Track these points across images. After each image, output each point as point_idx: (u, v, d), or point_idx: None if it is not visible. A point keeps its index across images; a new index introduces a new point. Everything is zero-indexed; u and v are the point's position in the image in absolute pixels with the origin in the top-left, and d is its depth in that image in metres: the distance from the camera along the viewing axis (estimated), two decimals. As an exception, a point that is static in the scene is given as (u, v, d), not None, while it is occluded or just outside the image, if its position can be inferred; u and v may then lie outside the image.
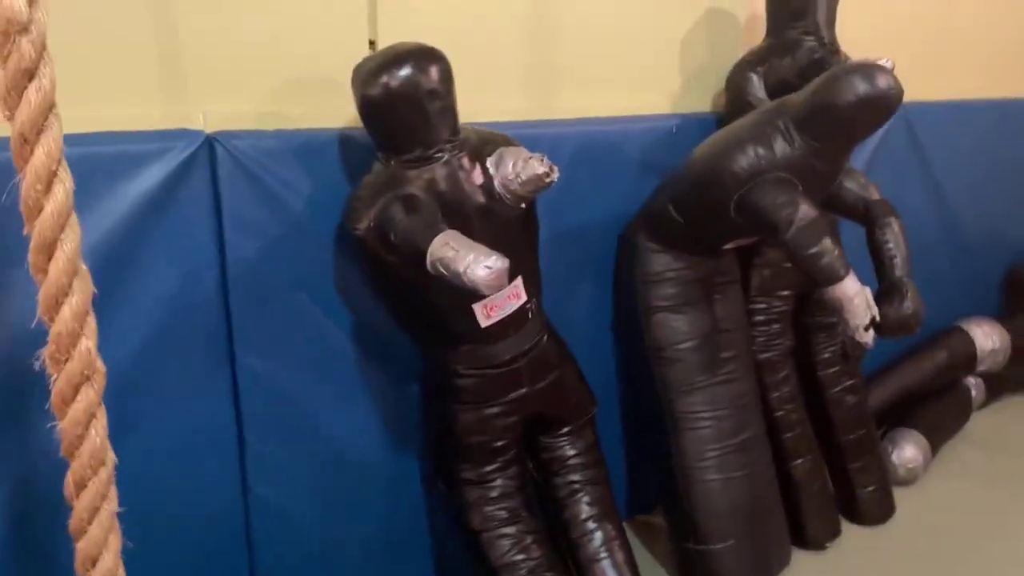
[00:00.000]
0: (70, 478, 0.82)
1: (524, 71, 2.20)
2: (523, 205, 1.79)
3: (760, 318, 2.43)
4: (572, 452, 2.05)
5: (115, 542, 0.86)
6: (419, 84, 1.65)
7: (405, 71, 1.64)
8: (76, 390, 0.80)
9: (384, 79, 1.64)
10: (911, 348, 3.11)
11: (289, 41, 1.79)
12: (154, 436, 1.67)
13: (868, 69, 1.88)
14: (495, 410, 1.90)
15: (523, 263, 1.84)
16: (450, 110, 1.71)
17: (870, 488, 2.60)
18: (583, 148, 2.20)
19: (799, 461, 2.44)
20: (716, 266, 2.25)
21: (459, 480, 1.94)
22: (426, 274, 1.54)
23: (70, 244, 0.76)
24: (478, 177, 1.74)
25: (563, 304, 2.16)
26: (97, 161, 1.52)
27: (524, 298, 1.86)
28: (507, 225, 1.79)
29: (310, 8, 1.80)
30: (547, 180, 1.70)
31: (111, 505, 0.85)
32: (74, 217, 0.77)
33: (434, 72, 1.67)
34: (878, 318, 1.89)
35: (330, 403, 1.89)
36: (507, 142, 1.82)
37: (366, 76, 1.67)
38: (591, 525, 2.02)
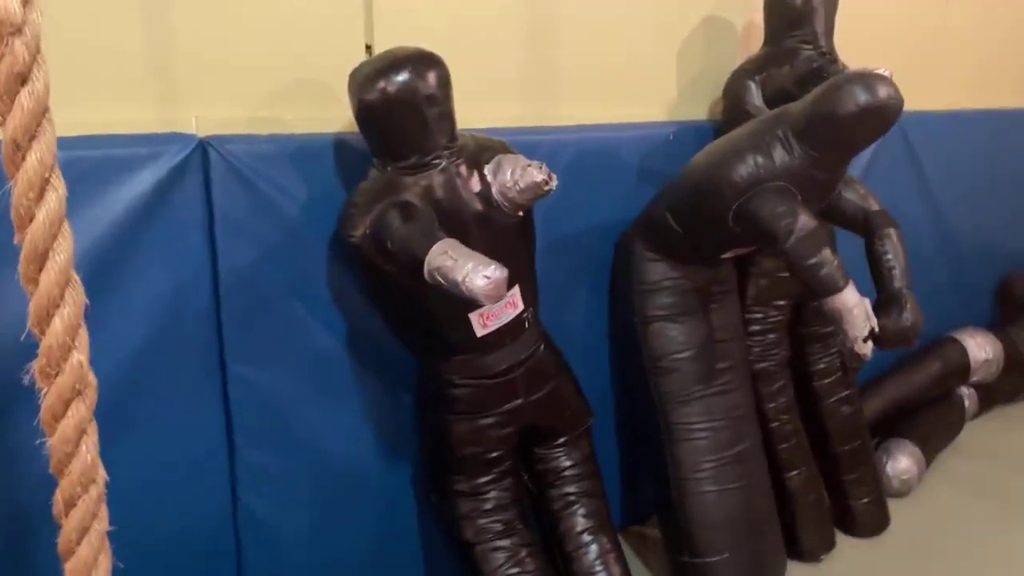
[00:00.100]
0: (59, 496, 0.79)
1: (521, 78, 2.18)
2: (521, 213, 1.77)
3: (756, 328, 2.42)
4: (567, 464, 2.03)
5: (105, 562, 0.83)
6: (417, 89, 1.63)
7: (403, 76, 1.62)
8: (67, 405, 0.76)
9: (381, 84, 1.62)
10: (904, 358, 3.11)
11: (284, 45, 1.76)
12: (142, 446, 1.63)
13: (868, 79, 1.87)
14: (490, 421, 1.87)
15: (520, 272, 1.82)
16: (448, 116, 1.69)
17: (865, 500, 2.58)
18: (580, 156, 2.18)
19: (794, 472, 2.43)
20: (713, 275, 2.23)
21: (453, 492, 1.91)
22: (422, 282, 1.51)
23: (62, 254, 0.73)
24: (476, 184, 1.71)
25: (559, 312, 2.14)
26: (87, 165, 1.49)
27: (521, 307, 1.83)
28: (504, 233, 1.77)
29: (306, 12, 1.78)
30: (546, 188, 1.68)
31: (101, 524, 0.81)
32: (67, 226, 0.74)
33: (432, 77, 1.65)
34: (877, 329, 1.87)
35: (322, 413, 1.85)
36: (505, 149, 1.80)
37: (363, 81, 1.64)
38: (586, 538, 1.99)
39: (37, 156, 0.72)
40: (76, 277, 0.76)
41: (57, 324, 0.74)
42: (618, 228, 2.31)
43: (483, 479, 1.90)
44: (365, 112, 1.66)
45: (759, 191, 1.93)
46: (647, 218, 2.22)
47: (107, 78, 1.57)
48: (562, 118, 2.25)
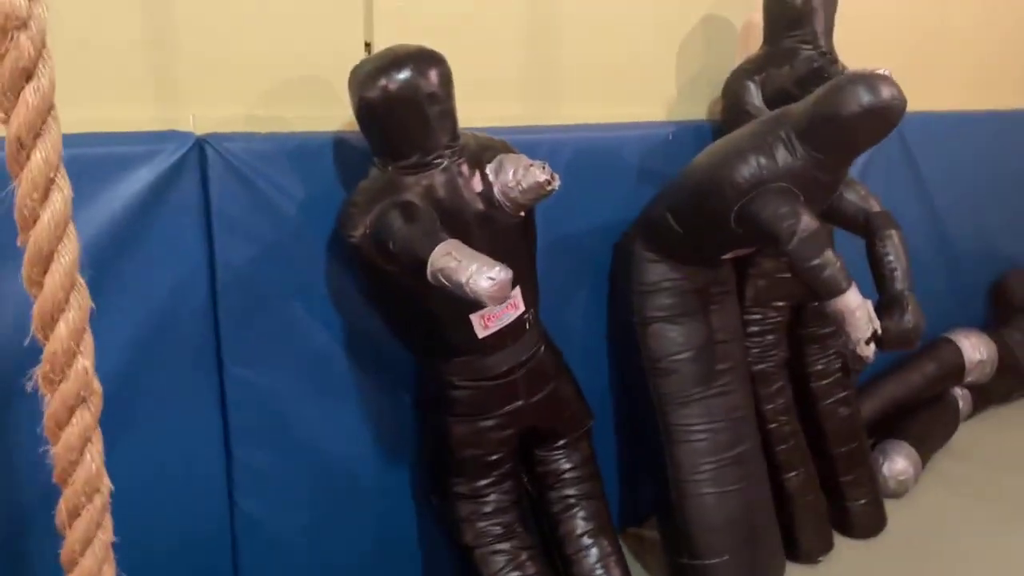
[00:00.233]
0: (63, 506, 0.76)
1: (521, 77, 2.16)
2: (522, 213, 1.75)
3: (755, 329, 2.41)
4: (568, 466, 2.01)
5: (109, 574, 0.80)
6: (418, 87, 1.61)
7: (404, 74, 1.60)
8: (71, 412, 0.74)
9: (383, 82, 1.59)
10: (899, 359, 3.11)
11: (283, 42, 1.73)
12: (136, 448, 1.60)
13: (871, 79, 1.86)
14: (490, 423, 1.86)
15: (521, 272, 1.80)
16: (450, 115, 1.67)
17: (862, 501, 2.58)
18: (579, 155, 2.16)
19: (792, 474, 2.42)
20: (714, 276, 2.22)
21: (452, 494, 1.89)
22: (424, 283, 1.49)
23: (68, 256, 0.71)
24: (477, 184, 1.69)
25: (557, 313, 2.12)
26: (83, 163, 1.44)
27: (522, 308, 1.82)
28: (506, 233, 1.75)
29: (305, 9, 1.75)
30: (548, 188, 1.66)
31: (106, 535, 0.79)
32: (72, 228, 0.72)
33: (434, 75, 1.62)
34: (880, 332, 1.86)
35: (321, 415, 1.83)
36: (506, 148, 1.78)
37: (364, 78, 1.62)
38: (587, 541, 1.98)
39: (42, 155, 0.69)
40: (81, 280, 0.74)
41: (62, 329, 0.72)
42: (617, 228, 2.29)
43: (483, 481, 1.89)
44: (366, 110, 1.63)
45: (761, 192, 1.92)
46: (647, 218, 2.21)
47: (104, 75, 1.54)
48: (562, 117, 2.23)
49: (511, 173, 1.67)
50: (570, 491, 2.01)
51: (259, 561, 1.80)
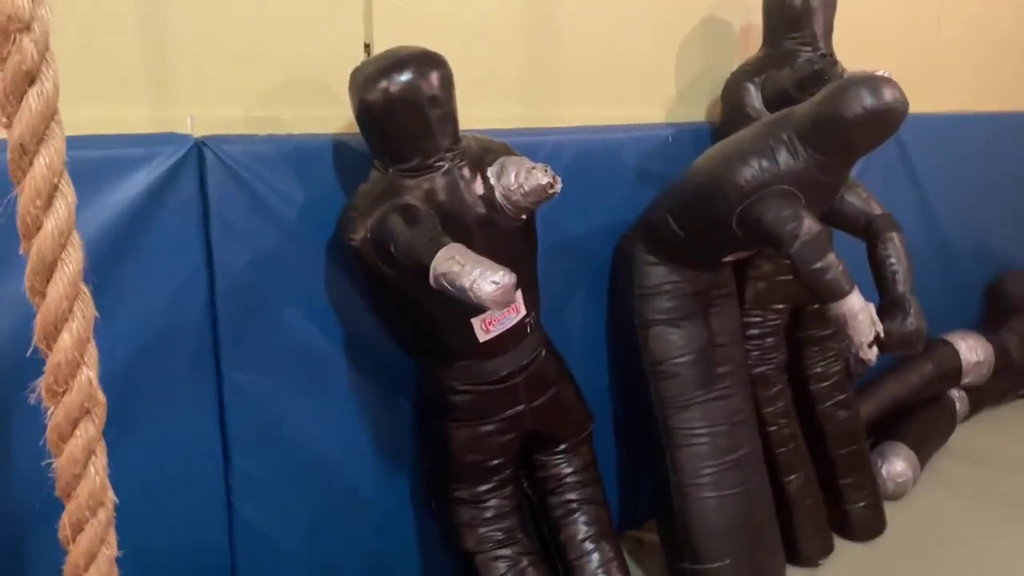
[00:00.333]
0: (66, 520, 0.74)
1: (521, 78, 2.15)
2: (524, 216, 1.73)
3: (754, 332, 2.40)
4: (569, 470, 2.00)
5: (113, 589, 0.78)
6: (420, 90, 1.59)
7: (405, 76, 1.58)
8: (75, 425, 0.72)
9: (383, 84, 1.58)
10: (896, 361, 3.11)
11: (281, 43, 1.71)
12: (133, 454, 1.57)
13: (874, 82, 1.85)
14: (491, 427, 1.84)
15: (523, 276, 1.77)
16: (451, 117, 1.65)
17: (861, 504, 2.58)
18: (579, 157, 2.15)
19: (792, 477, 2.42)
20: (714, 279, 2.21)
21: (452, 500, 1.87)
22: (423, 287, 1.48)
23: (71, 265, 0.69)
24: (479, 187, 1.68)
25: (557, 315, 2.11)
26: (80, 166, 1.38)
27: (523, 312, 1.80)
28: (508, 236, 1.73)
29: (304, 9, 1.73)
30: (550, 191, 1.65)
31: (110, 550, 0.77)
32: (76, 235, 0.70)
33: (435, 78, 1.61)
34: (882, 335, 1.85)
35: (320, 420, 1.81)
36: (507, 151, 1.76)
37: (364, 80, 1.60)
38: (588, 546, 1.96)
39: (45, 161, 0.67)
40: (85, 289, 0.72)
41: (66, 339, 0.70)
42: (617, 230, 2.28)
43: (484, 487, 1.87)
44: (366, 112, 1.62)
45: (763, 195, 1.91)
46: (647, 221, 2.19)
47: (100, 76, 1.52)
48: (561, 119, 2.22)
49: (513, 176, 1.66)
50: (571, 496, 1.99)
51: (257, 568, 1.78)
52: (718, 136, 2.39)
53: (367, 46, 1.83)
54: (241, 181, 1.63)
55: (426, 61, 1.61)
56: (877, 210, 2.09)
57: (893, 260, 2.02)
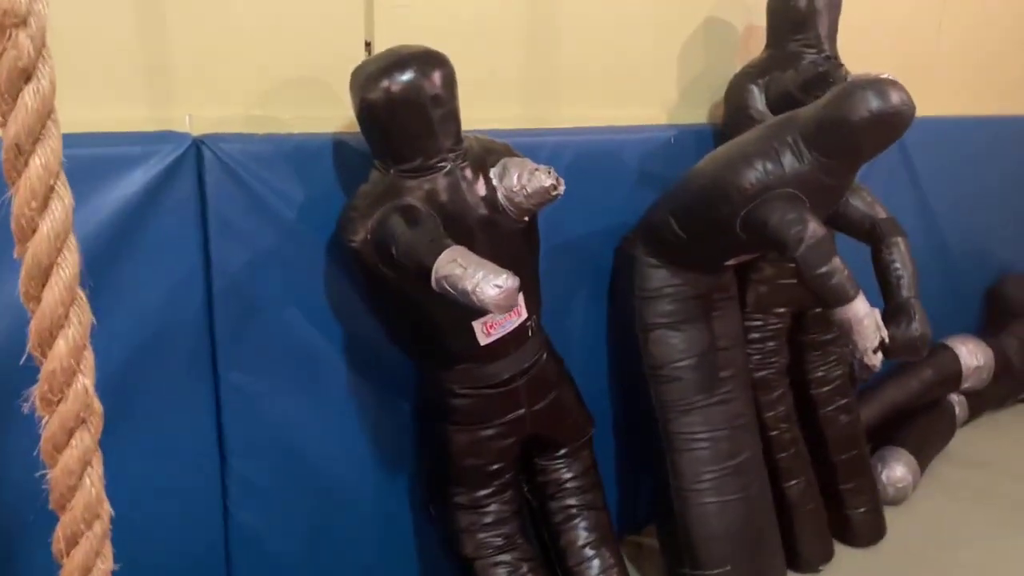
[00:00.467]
0: (60, 533, 0.72)
1: (522, 78, 2.12)
2: (526, 218, 1.71)
3: (756, 335, 2.38)
4: (569, 475, 1.98)
5: (108, 604, 0.76)
6: (422, 89, 1.57)
7: (407, 75, 1.56)
8: (70, 435, 0.70)
9: (385, 83, 1.56)
10: (897, 365, 3.09)
11: (281, 41, 1.69)
12: (127, 458, 1.55)
13: (880, 85, 1.83)
14: (491, 432, 1.82)
15: (524, 278, 1.74)
16: (453, 117, 1.63)
17: (862, 509, 2.56)
18: (580, 158, 2.13)
19: (793, 482, 2.40)
20: (716, 282, 2.19)
21: (452, 505, 1.85)
22: (424, 289, 1.46)
23: (68, 269, 0.66)
24: (481, 188, 1.66)
25: (557, 318, 2.08)
26: (76, 165, 1.37)
27: (525, 315, 1.78)
28: (510, 238, 1.71)
29: (304, 7, 1.71)
30: (553, 193, 1.64)
31: (106, 564, 0.75)
32: (72, 239, 0.67)
33: (437, 77, 1.59)
34: (887, 340, 1.84)
35: (318, 423, 1.79)
36: (509, 152, 1.74)
37: (366, 79, 1.58)
38: (589, 552, 1.94)
39: (41, 161, 0.65)
40: (82, 294, 0.69)
41: (61, 346, 0.67)
42: (618, 232, 2.26)
43: (483, 492, 1.85)
44: (367, 112, 1.59)
45: (768, 198, 1.89)
46: (649, 223, 2.17)
47: (98, 74, 1.49)
48: (562, 120, 2.20)
49: (516, 177, 1.64)
50: (571, 501, 1.97)
51: (254, 572, 1.75)
52: (720, 138, 2.37)
53: (368, 45, 1.81)
54: (240, 180, 1.61)
55: (428, 60, 1.59)
56: (881, 214, 2.07)
57: (898, 265, 2.00)
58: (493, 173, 1.67)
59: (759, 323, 2.39)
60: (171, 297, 1.58)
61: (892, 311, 1.98)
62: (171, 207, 1.54)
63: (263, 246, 1.66)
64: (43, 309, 0.66)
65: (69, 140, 1.36)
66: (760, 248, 2.06)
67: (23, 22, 0.60)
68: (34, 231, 0.64)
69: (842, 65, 2.30)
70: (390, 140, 1.62)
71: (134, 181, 1.48)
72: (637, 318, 2.16)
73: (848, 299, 1.81)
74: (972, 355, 3.21)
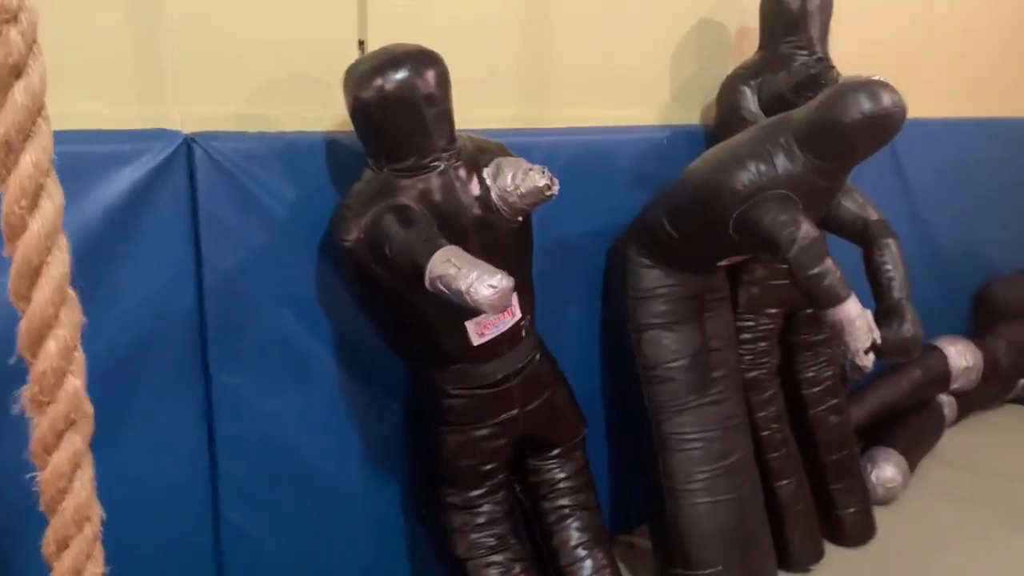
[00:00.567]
0: (50, 536, 0.71)
1: (515, 78, 2.12)
2: (520, 218, 1.70)
3: (747, 336, 2.38)
4: (562, 475, 1.97)
5: (99, 607, 0.75)
6: (415, 88, 1.56)
7: (401, 74, 1.55)
8: (60, 436, 0.69)
9: (378, 82, 1.55)
10: (886, 366, 3.10)
11: (274, 39, 1.68)
12: (117, 459, 1.52)
13: (872, 86, 1.84)
14: (484, 432, 1.81)
15: (518, 278, 1.73)
16: (447, 117, 1.63)
17: (852, 509, 2.57)
18: (574, 159, 2.13)
19: (784, 482, 2.40)
20: (708, 283, 2.19)
21: (444, 505, 1.84)
22: (417, 289, 1.45)
23: (58, 269, 0.66)
24: (475, 188, 1.65)
25: (550, 317, 2.07)
26: (65, 162, 1.36)
27: (519, 315, 1.77)
28: (503, 238, 1.71)
29: (297, 5, 1.70)
30: (548, 193, 1.63)
31: (96, 567, 0.74)
32: (63, 238, 0.66)
33: (431, 76, 1.58)
34: (879, 341, 1.84)
35: (310, 424, 1.77)
36: (503, 151, 1.74)
37: (359, 78, 1.57)
38: (581, 552, 1.94)
39: (31, 158, 0.64)
40: (72, 294, 0.68)
41: (51, 347, 0.66)
42: (611, 232, 2.26)
43: (476, 492, 1.84)
44: (361, 111, 1.58)
45: (761, 199, 1.89)
46: (642, 223, 2.17)
47: (88, 70, 1.48)
48: (555, 120, 2.20)
49: (510, 177, 1.63)
50: (564, 501, 1.96)
51: (245, 574, 1.74)
52: (713, 139, 2.37)
53: (361, 43, 1.80)
54: (231, 178, 1.60)
55: (422, 59, 1.58)
56: (873, 215, 2.08)
57: (889, 266, 2.01)
58: (487, 173, 1.66)
59: (751, 324, 2.40)
60: (162, 296, 1.56)
61: (883, 312, 1.99)
62: (162, 205, 1.53)
63: (255, 245, 1.65)
64: (33, 309, 0.65)
65: (59, 137, 1.35)
66: (753, 249, 2.07)
67: (14, 18, 0.59)
68: (24, 230, 0.63)
69: (833, 67, 2.31)
70: (383, 139, 1.61)
71: (124, 179, 1.47)
72: (630, 318, 2.16)
73: (840, 300, 1.82)
74: (961, 356, 3.22)
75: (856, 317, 1.83)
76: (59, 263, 0.66)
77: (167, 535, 1.63)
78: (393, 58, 1.56)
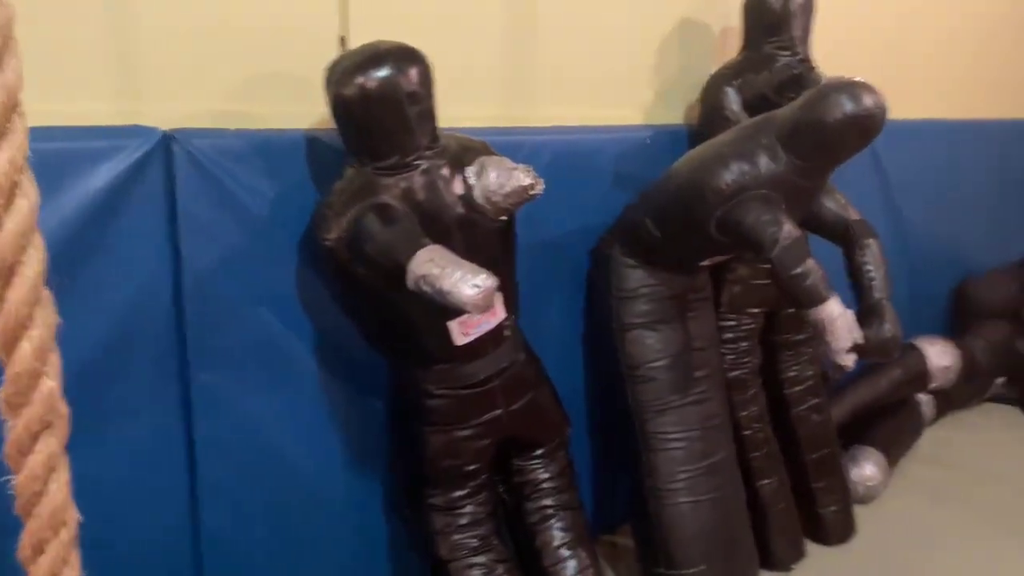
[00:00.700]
0: (26, 540, 0.69)
1: (499, 77, 2.11)
2: (504, 217, 1.69)
3: (729, 336, 2.39)
4: (545, 475, 1.96)
5: (74, 612, 0.74)
6: (398, 86, 1.55)
7: (383, 71, 1.54)
8: (35, 439, 0.67)
9: (360, 79, 1.53)
10: (865, 366, 3.12)
11: (254, 35, 1.66)
12: (95, 460, 1.51)
13: (854, 87, 1.84)
14: (467, 432, 1.80)
15: (501, 278, 1.73)
16: (430, 115, 1.61)
17: (833, 508, 2.58)
18: (558, 158, 2.12)
19: (766, 481, 2.41)
20: (691, 283, 2.19)
21: (426, 506, 1.83)
22: (399, 288, 1.43)
23: (33, 268, 0.64)
24: (458, 187, 1.64)
25: (533, 317, 2.07)
26: (40, 159, 1.34)
27: (502, 315, 1.77)
28: (487, 238, 1.70)
29: (277, 1, 1.67)
30: (531, 193, 1.62)
31: (73, 571, 0.72)
32: (38, 236, 0.65)
33: (414, 74, 1.57)
34: (861, 341, 1.85)
35: (290, 424, 1.76)
36: (486, 150, 1.73)
37: (341, 75, 1.56)
38: (564, 552, 1.93)
39: (6, 156, 0.63)
40: (47, 294, 0.67)
41: (26, 347, 0.64)
42: (594, 232, 2.25)
43: (459, 493, 1.83)
44: (342, 108, 1.57)
45: (743, 199, 1.89)
46: (626, 223, 2.17)
47: (64, 66, 1.45)
48: (539, 119, 2.19)
49: (493, 177, 1.62)
50: (547, 501, 1.96)
51: (224, 575, 1.72)
52: (696, 138, 2.37)
53: (342, 40, 1.78)
54: (210, 176, 1.58)
55: (405, 56, 1.57)
56: (854, 216, 2.09)
57: (870, 267, 2.02)
58: (470, 172, 1.65)
59: (733, 323, 2.40)
60: (139, 295, 1.54)
61: (865, 312, 1.99)
62: (140, 203, 1.51)
63: (234, 243, 1.63)
64: (7, 309, 0.63)
65: (35, 134, 1.33)
66: (735, 249, 2.07)
67: (-13, 10, 0.57)
68: (-2, 228, 0.62)
69: (815, 67, 2.32)
70: (365, 137, 1.59)
71: (101, 176, 1.45)
72: (614, 318, 2.16)
73: (822, 300, 1.82)
74: (940, 355, 3.26)
75: (838, 317, 1.83)
76: (34, 262, 0.64)
77: (146, 536, 1.61)
78: (375, 55, 1.55)
